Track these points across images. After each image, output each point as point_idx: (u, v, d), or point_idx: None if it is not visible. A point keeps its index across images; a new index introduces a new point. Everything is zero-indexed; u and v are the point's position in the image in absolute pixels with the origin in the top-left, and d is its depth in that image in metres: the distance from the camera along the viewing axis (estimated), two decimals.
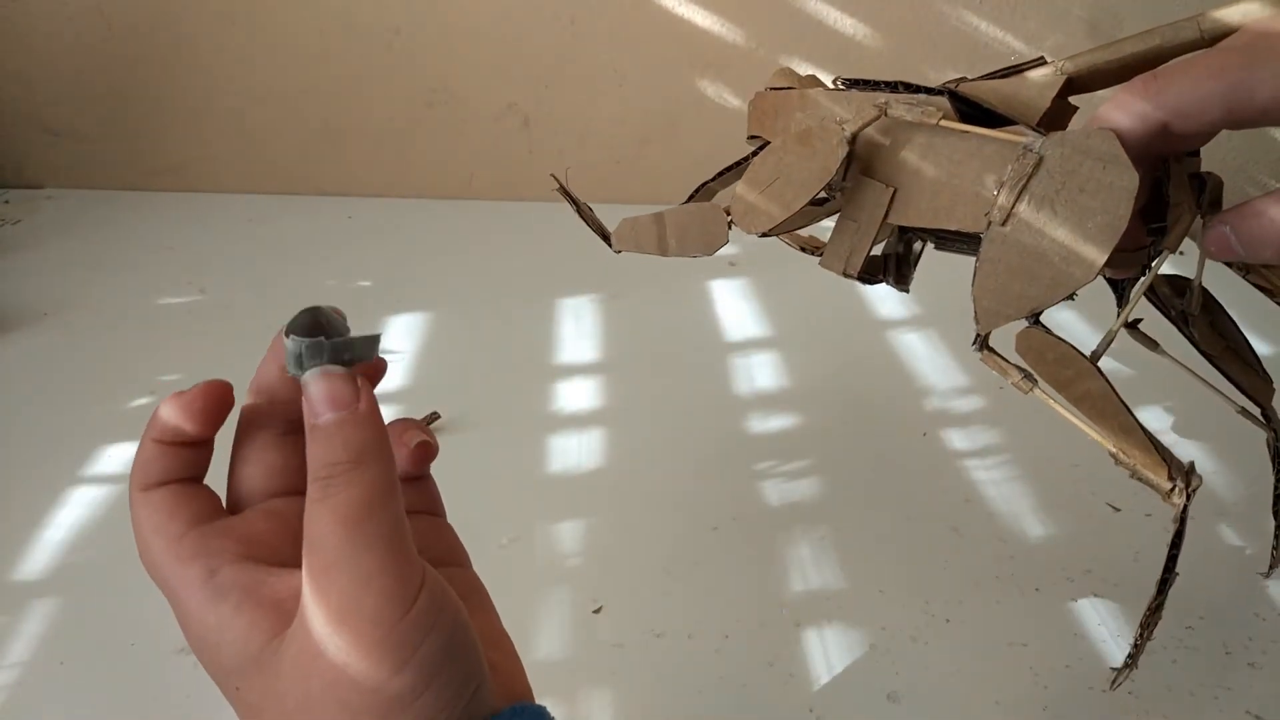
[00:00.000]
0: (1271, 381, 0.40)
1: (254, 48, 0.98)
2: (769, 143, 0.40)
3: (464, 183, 1.05)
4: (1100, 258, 0.29)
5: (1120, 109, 0.29)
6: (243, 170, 1.05)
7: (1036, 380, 0.34)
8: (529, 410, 0.66)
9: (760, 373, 0.71)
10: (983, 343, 0.34)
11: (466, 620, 0.24)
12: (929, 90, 0.34)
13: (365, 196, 1.04)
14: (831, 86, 0.38)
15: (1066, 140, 0.29)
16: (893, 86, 0.35)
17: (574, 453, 0.61)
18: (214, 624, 0.24)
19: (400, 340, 0.75)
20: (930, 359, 0.73)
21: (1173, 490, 0.33)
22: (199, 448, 0.28)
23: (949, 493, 0.59)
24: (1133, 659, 0.38)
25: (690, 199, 0.43)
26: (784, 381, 0.70)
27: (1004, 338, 0.34)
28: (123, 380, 0.68)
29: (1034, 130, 0.32)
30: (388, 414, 0.59)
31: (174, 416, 0.27)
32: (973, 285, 0.32)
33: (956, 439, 0.63)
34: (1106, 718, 0.44)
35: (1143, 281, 0.35)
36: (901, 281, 0.40)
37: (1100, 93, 0.35)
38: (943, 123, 0.33)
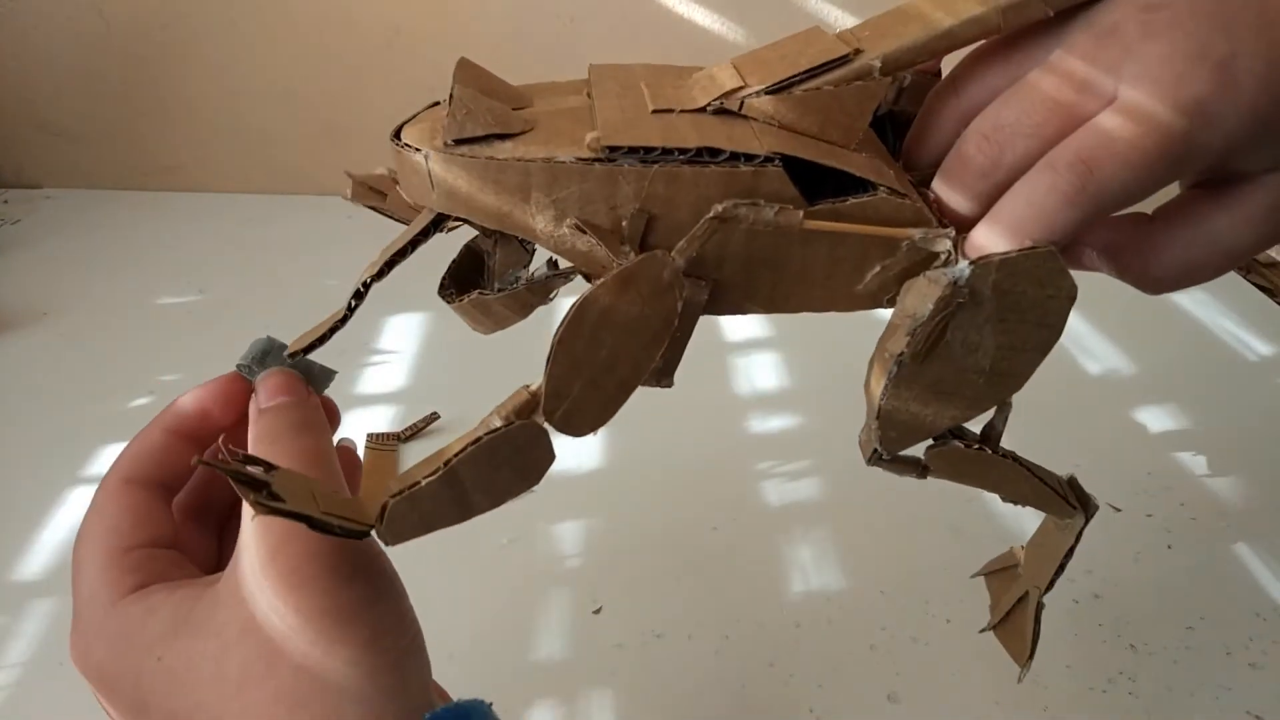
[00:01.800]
0: None
1: (254, 47, 0.97)
2: (438, 220, 0.28)
3: None
4: (1031, 370, 0.26)
5: (1047, 218, 0.24)
6: (242, 170, 1.05)
7: (930, 469, 0.30)
8: None
9: (760, 373, 0.71)
10: (879, 459, 0.29)
11: (391, 569, 0.26)
12: (748, 156, 0.25)
13: None
14: (587, 152, 0.25)
15: (1003, 267, 0.24)
16: (693, 155, 0.25)
17: (573, 453, 0.61)
18: (139, 612, 0.25)
19: (400, 340, 0.74)
20: None
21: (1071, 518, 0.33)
22: (197, 451, 0.29)
23: (949, 493, 0.59)
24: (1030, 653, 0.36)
25: (349, 310, 0.29)
26: (784, 381, 0.70)
27: None
28: (122, 380, 0.68)
29: (894, 192, 0.26)
30: (388, 414, 0.60)
31: (201, 401, 0.29)
32: (876, 418, 0.27)
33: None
34: (1106, 718, 0.44)
35: None
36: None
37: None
38: (809, 224, 0.25)
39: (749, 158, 0.25)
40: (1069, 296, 0.25)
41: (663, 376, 0.28)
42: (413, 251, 0.29)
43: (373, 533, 0.24)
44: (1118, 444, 0.63)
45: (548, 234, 0.26)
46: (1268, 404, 0.69)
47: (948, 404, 0.27)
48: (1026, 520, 0.57)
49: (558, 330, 0.25)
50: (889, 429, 0.27)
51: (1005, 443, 0.31)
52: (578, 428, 0.27)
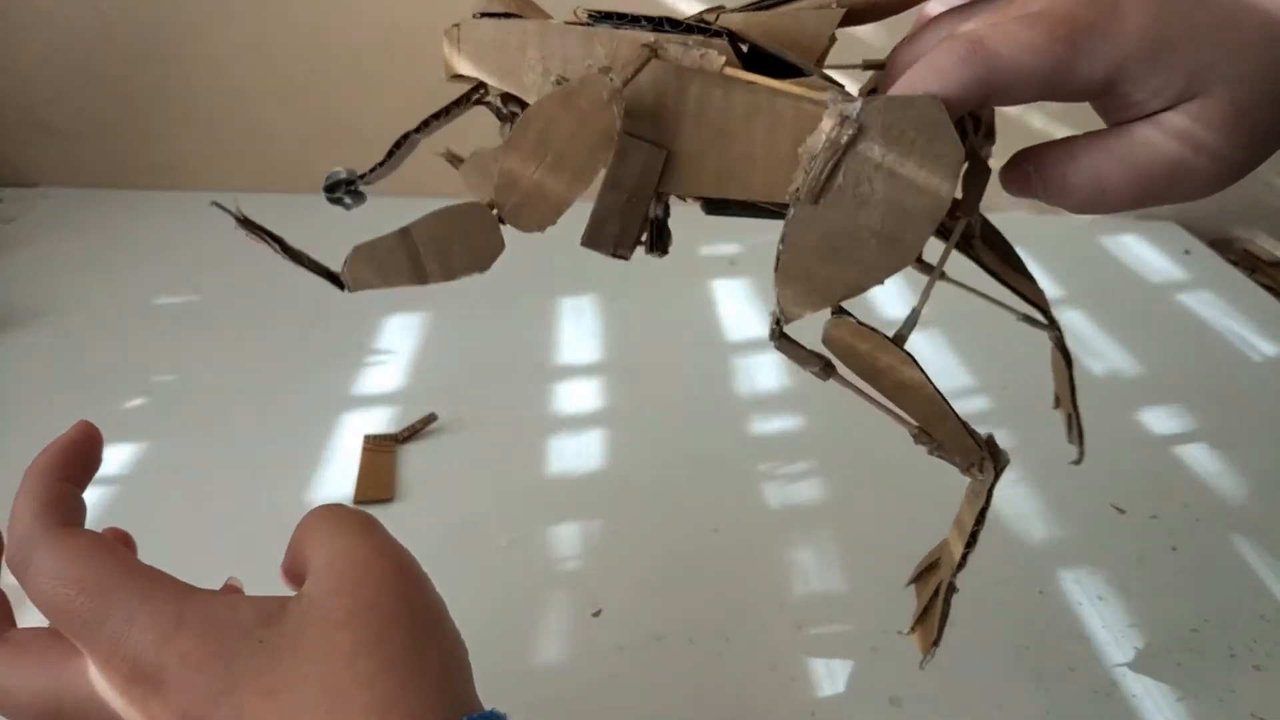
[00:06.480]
0: (1039, 286, 0.38)
1: (250, 44, 0.97)
2: (479, 85, 0.33)
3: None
4: (921, 239, 0.27)
5: (941, 74, 0.27)
6: (239, 168, 1.04)
7: (835, 368, 0.31)
8: (528, 411, 0.65)
9: (760, 373, 0.71)
10: (780, 333, 0.30)
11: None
12: (702, 28, 0.28)
13: None
14: (574, 17, 0.30)
15: (890, 107, 0.26)
16: (656, 23, 0.29)
17: (573, 454, 0.60)
18: (222, 602, 0.26)
19: (398, 340, 0.74)
20: (932, 360, 0.72)
21: (976, 467, 0.34)
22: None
23: (952, 494, 0.58)
24: (937, 639, 0.37)
25: (389, 155, 0.36)
26: (784, 382, 0.70)
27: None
28: (118, 380, 0.68)
29: (827, 79, 0.28)
30: (386, 415, 0.60)
31: (85, 448, 0.32)
32: (776, 272, 0.29)
33: None
34: None
35: (944, 252, 0.33)
36: (662, 249, 0.34)
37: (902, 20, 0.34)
38: (728, 71, 0.28)
39: (703, 31, 0.29)
40: (956, 160, 0.27)
41: (619, 245, 0.31)
42: (447, 115, 0.35)
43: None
44: (1122, 445, 0.63)
45: (536, 87, 0.31)
46: (1273, 404, 0.69)
47: (843, 266, 0.28)
48: (1031, 523, 0.56)
49: (509, 136, 0.29)
50: (787, 285, 0.29)
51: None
52: (527, 223, 0.30)
